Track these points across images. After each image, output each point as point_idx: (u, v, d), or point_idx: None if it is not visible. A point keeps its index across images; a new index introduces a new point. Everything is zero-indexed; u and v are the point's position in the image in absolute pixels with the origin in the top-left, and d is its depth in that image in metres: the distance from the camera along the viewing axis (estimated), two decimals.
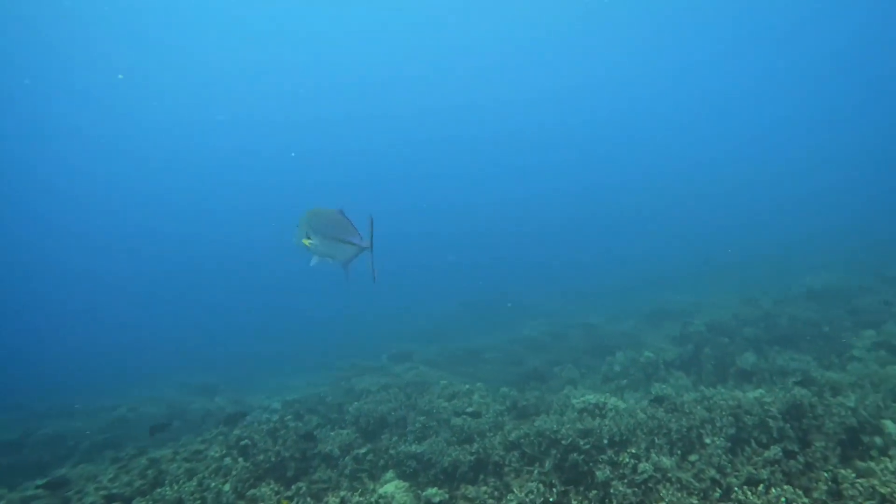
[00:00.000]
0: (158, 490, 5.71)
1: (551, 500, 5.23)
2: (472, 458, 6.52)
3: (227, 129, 58.54)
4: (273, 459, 6.98)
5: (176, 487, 5.73)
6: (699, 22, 47.73)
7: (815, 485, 4.28)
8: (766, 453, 5.31)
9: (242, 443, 7.36)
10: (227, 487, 6.29)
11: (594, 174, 62.58)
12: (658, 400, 6.83)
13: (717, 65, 54.15)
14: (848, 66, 50.24)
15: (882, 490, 3.79)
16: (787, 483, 4.83)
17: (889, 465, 4.06)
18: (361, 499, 5.71)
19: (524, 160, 63.55)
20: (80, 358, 25.52)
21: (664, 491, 4.99)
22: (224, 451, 7.21)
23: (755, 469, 5.12)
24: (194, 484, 5.88)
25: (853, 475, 4.03)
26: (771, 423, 5.71)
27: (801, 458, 5.21)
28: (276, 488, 6.25)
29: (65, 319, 40.71)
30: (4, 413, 14.97)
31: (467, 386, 8.87)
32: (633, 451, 5.74)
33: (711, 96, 58.05)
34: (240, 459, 6.92)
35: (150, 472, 6.60)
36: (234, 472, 6.60)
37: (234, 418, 8.66)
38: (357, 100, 58.78)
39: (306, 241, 4.11)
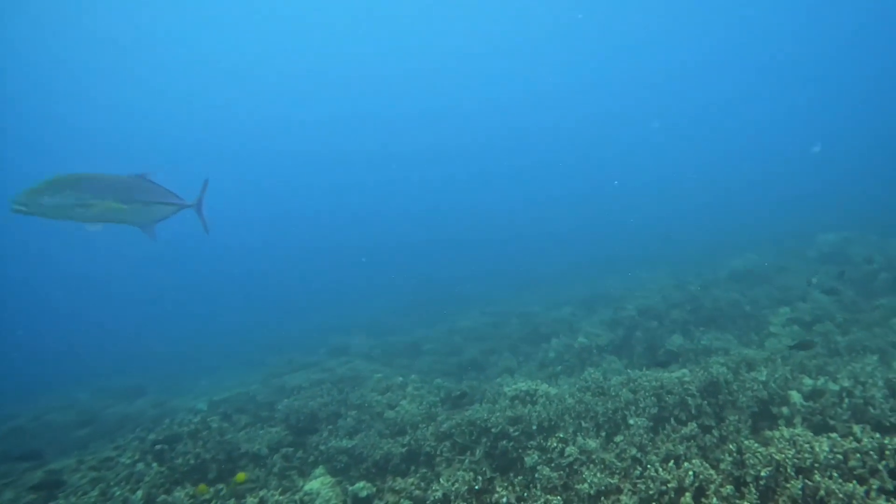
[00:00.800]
0: None
1: (477, 487, 5.16)
2: (404, 450, 6.40)
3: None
4: (192, 462, 6.56)
5: (73, 500, 5.21)
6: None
7: (724, 456, 4.41)
8: (684, 430, 5.47)
9: (158, 447, 6.88)
10: (137, 495, 5.83)
11: (547, 173, 63.50)
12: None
13: (700, 64, 55.45)
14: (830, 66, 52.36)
15: (777, 457, 3.95)
16: (703, 456, 4.99)
17: (785, 433, 4.25)
18: (282, 497, 5.43)
19: (481, 162, 64.25)
20: None
21: (587, 472, 5.03)
22: (137, 457, 6.70)
23: (673, 445, 5.26)
24: (96, 493, 5.38)
25: (756, 445, 4.18)
26: (690, 400, 5.89)
27: (715, 433, 5.42)
28: (192, 492, 5.86)
29: None
30: None
31: (401, 378, 8.70)
32: (561, 435, 5.77)
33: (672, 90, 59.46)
34: (154, 465, 6.44)
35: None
36: (146, 479, 6.13)
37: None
38: (333, 101, 58.36)
39: (115, 206, 3.88)
